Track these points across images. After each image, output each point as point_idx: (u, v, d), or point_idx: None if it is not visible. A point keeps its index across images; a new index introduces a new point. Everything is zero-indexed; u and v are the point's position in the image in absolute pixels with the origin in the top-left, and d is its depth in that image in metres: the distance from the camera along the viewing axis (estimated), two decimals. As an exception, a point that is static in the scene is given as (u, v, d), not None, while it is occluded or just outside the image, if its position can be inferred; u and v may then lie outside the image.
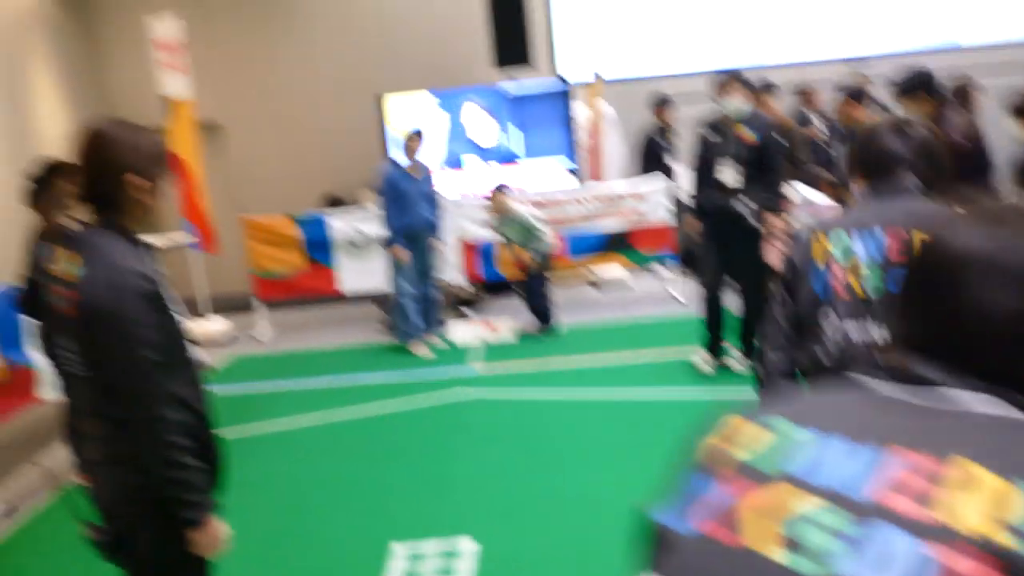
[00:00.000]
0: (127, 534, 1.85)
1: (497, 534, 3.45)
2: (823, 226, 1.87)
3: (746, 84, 4.82)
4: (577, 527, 3.48)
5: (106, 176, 1.82)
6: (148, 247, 1.89)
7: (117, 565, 1.89)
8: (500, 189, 6.55)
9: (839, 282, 1.76)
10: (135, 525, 1.84)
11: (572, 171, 7.93)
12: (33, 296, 4.17)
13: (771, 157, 4.81)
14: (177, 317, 1.86)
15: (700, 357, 5.28)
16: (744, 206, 4.78)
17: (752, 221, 4.78)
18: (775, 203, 4.87)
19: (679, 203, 7.57)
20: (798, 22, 8.75)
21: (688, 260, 7.99)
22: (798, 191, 5.21)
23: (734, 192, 4.80)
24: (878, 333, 1.71)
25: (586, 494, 3.77)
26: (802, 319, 1.84)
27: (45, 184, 4.10)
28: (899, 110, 4.43)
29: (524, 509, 3.68)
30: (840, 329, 1.75)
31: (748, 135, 4.77)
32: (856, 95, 5.09)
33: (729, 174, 4.78)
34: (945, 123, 4.46)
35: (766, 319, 1.96)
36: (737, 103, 4.75)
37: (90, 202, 1.86)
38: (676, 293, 7.36)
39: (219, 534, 1.88)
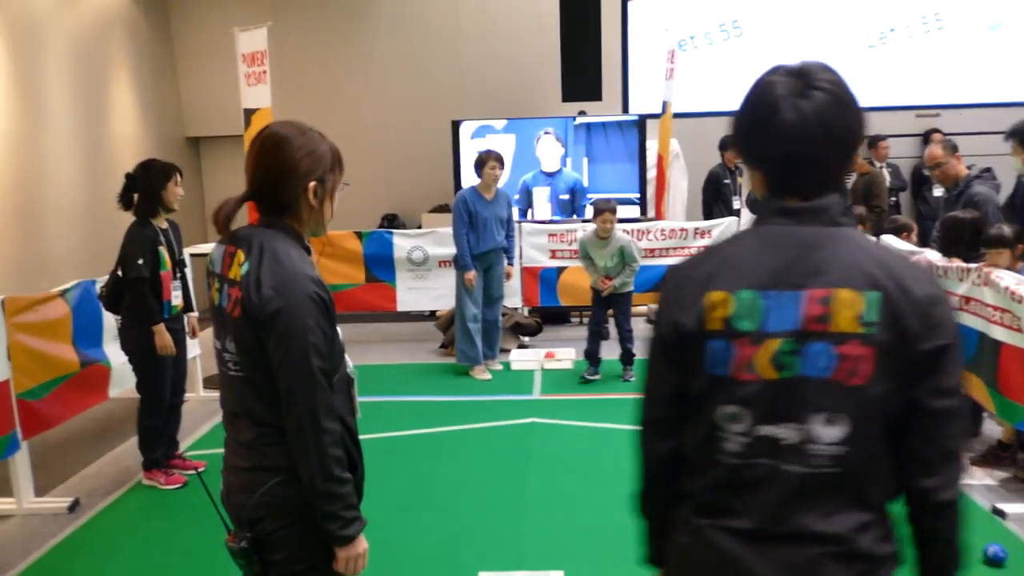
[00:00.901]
0: (268, 544, 1.80)
1: (587, 568, 3.38)
2: (720, 282, 1.32)
3: None
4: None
5: (285, 181, 1.79)
6: (309, 251, 1.86)
7: (251, 574, 1.83)
8: (612, 208, 5.82)
9: (742, 361, 1.29)
10: (278, 535, 1.79)
11: (638, 204, 7.88)
12: (118, 292, 4.19)
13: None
14: (337, 327, 1.83)
15: None
16: None
17: None
18: None
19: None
20: (866, 69, 8.69)
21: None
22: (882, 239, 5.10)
23: None
24: (789, 431, 1.27)
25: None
26: (690, 401, 1.37)
27: (150, 185, 4.12)
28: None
29: (611, 544, 3.58)
30: (744, 422, 1.30)
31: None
32: (955, 148, 4.92)
33: None
34: None
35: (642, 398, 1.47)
36: None
37: (261, 203, 1.83)
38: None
39: (365, 553, 1.82)
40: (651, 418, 1.44)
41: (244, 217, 1.94)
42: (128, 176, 4.14)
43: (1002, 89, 8.74)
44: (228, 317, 1.77)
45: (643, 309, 7.96)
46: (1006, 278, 3.99)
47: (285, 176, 1.79)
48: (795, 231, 1.31)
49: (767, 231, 1.34)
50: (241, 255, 1.77)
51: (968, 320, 4.30)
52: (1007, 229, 4.23)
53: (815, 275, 1.27)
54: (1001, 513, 3.76)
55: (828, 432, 1.25)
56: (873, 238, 1.00)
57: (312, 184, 1.81)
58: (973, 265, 4.28)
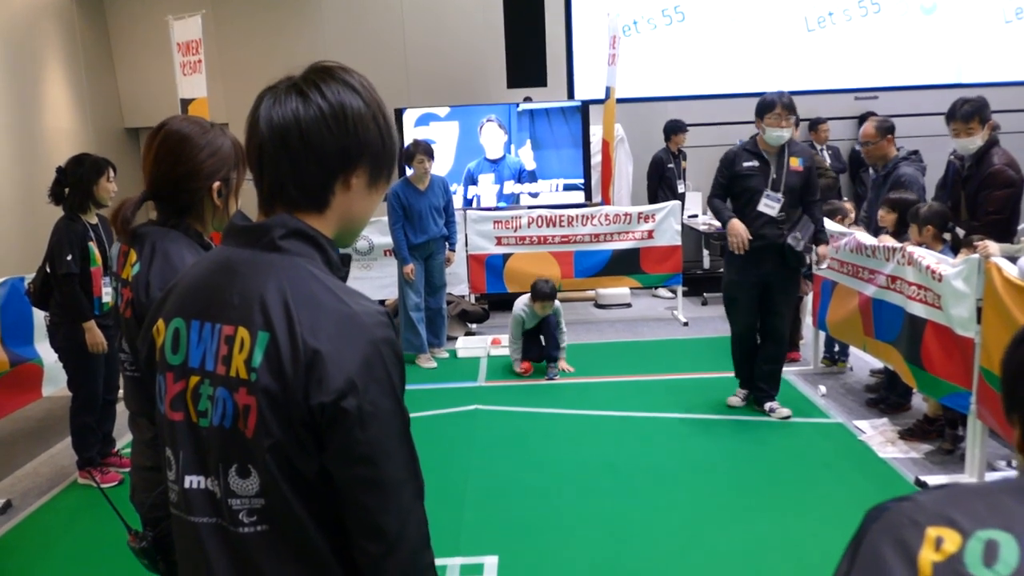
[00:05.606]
0: (169, 543, 1.79)
1: (522, 553, 3.42)
2: (166, 308, 1.21)
3: (791, 110, 4.51)
4: (599, 548, 3.44)
5: (187, 183, 1.75)
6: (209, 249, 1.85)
7: (155, 574, 1.83)
8: (553, 295, 5.79)
9: (171, 397, 1.16)
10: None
11: (583, 190, 7.93)
12: (47, 289, 4.12)
13: (814, 186, 4.65)
14: None
15: (738, 397, 5.02)
16: (795, 239, 4.54)
17: (799, 254, 4.58)
18: (824, 234, 4.75)
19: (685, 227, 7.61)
20: (806, 53, 8.82)
21: (691, 283, 8.03)
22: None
23: (780, 224, 4.57)
24: (211, 483, 1.13)
25: (603, 513, 3.74)
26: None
27: (81, 180, 4.04)
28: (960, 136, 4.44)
29: (546, 529, 3.64)
30: (172, 469, 1.17)
31: (796, 163, 4.60)
32: (891, 131, 5.02)
33: (773, 205, 4.54)
34: (996, 151, 4.44)
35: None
36: (782, 131, 4.49)
37: (160, 203, 1.81)
38: (679, 315, 7.36)
39: None
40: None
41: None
42: (59, 170, 4.06)
43: (936, 71, 8.94)
44: (121, 317, 1.76)
45: (590, 293, 8.05)
46: (927, 257, 4.11)
47: (188, 178, 1.76)
48: (233, 254, 1.16)
49: (218, 252, 1.19)
50: (134, 255, 1.75)
51: (893, 298, 4.42)
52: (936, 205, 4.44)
53: (228, 308, 1.11)
54: (924, 485, 3.89)
55: (244, 485, 1.10)
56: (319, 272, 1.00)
57: (217, 184, 1.78)
58: (898, 245, 4.40)
